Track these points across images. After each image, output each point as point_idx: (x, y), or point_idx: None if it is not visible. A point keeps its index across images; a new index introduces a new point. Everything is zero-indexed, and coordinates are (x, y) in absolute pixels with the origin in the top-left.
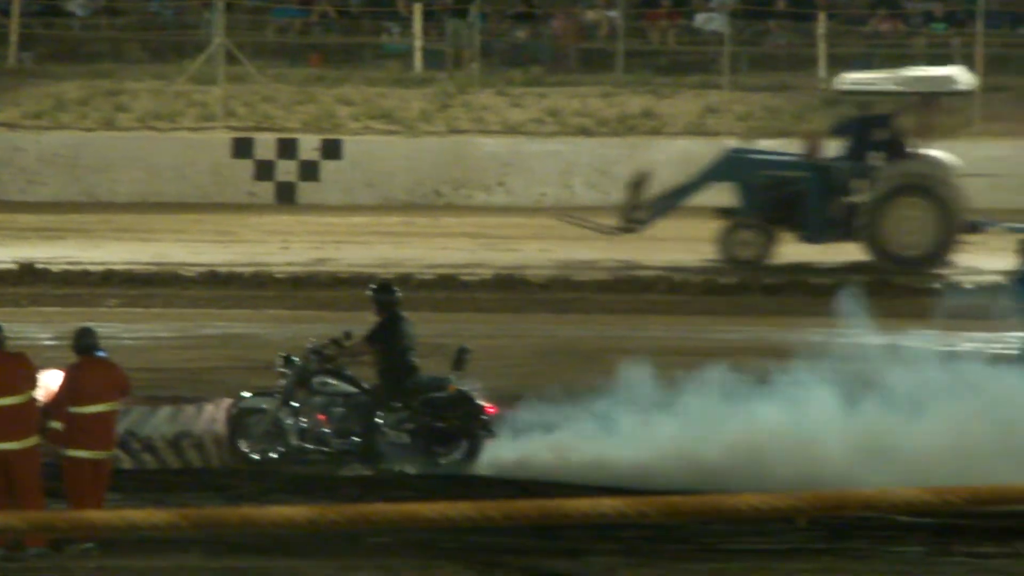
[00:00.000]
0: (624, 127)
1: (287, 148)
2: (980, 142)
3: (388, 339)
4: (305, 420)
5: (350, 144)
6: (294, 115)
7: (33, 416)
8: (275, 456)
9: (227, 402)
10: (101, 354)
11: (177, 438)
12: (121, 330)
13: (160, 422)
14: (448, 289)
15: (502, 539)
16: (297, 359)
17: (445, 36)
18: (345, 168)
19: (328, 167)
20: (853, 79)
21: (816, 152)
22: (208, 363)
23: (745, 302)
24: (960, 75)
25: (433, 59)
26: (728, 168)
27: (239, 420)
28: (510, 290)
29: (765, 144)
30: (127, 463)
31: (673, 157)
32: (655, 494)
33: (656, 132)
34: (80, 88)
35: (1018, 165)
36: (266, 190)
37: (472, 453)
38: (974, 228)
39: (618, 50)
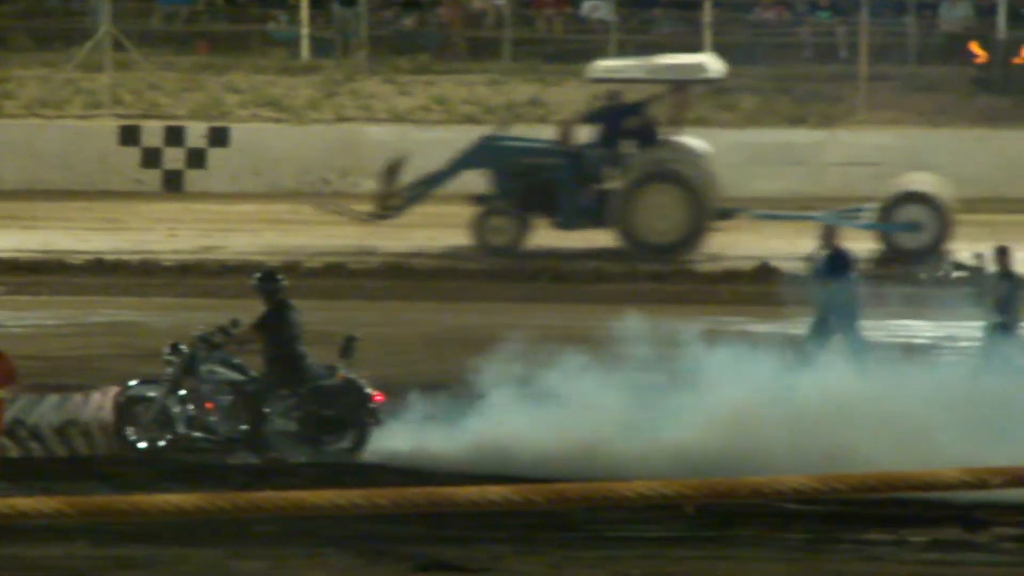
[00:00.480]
0: (512, 115)
1: (174, 136)
2: (864, 131)
3: (275, 327)
4: (192, 408)
5: (237, 132)
6: (181, 103)
7: None
8: (162, 444)
9: (114, 390)
10: None
11: (64, 426)
12: (7, 318)
13: (47, 410)
14: (336, 277)
15: (389, 527)
16: (184, 347)
17: (332, 23)
18: (232, 156)
19: (215, 155)
20: (604, 67)
21: (569, 139)
22: (95, 351)
23: (626, 290)
24: (710, 63)
25: (320, 47)
26: (482, 155)
27: (126, 408)
28: (398, 278)
29: (520, 131)
30: (14, 451)
31: None
32: (542, 481)
33: (543, 120)
34: None
35: (901, 153)
36: (153, 178)
37: (360, 441)
38: (726, 215)
39: (505, 38)
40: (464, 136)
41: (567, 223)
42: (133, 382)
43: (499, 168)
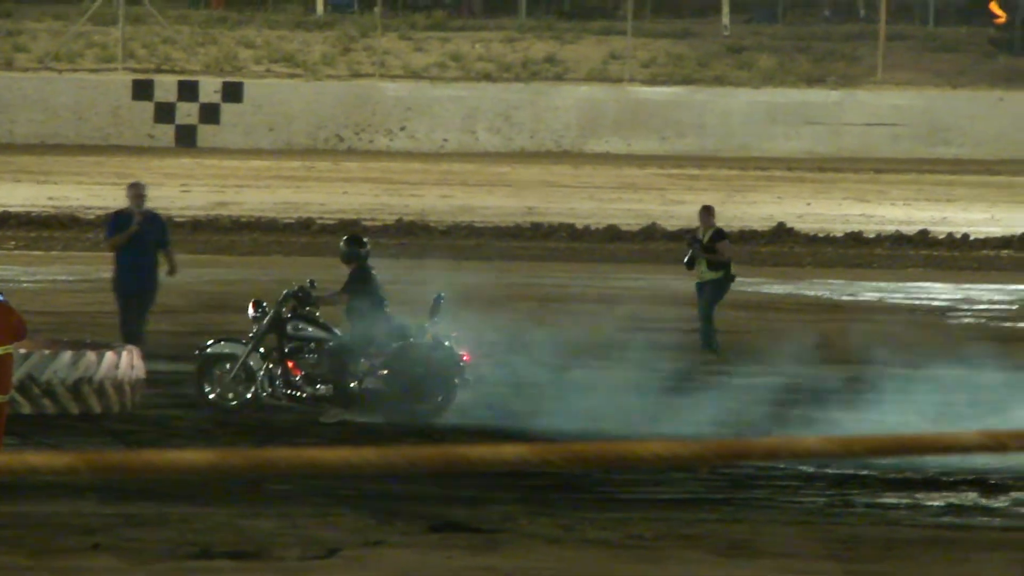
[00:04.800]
0: (527, 72)
1: (188, 90)
2: (882, 91)
3: (363, 287)
4: (274, 366)
5: (251, 87)
6: (195, 57)
7: None
8: (239, 403)
9: (131, 348)
10: None
11: (78, 384)
12: (19, 273)
13: (60, 367)
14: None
15: (402, 487)
16: (266, 305)
17: None
18: (246, 111)
19: (229, 110)
20: None
21: None
22: (108, 307)
23: (648, 249)
24: None
25: (336, 2)
26: None
27: (205, 366)
28: (412, 235)
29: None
30: (26, 408)
31: (576, 103)
32: (556, 441)
33: (559, 78)
34: None
35: (920, 114)
36: (166, 133)
37: (447, 400)
38: None
39: None
40: (480, 94)
41: None
42: (211, 340)
43: None
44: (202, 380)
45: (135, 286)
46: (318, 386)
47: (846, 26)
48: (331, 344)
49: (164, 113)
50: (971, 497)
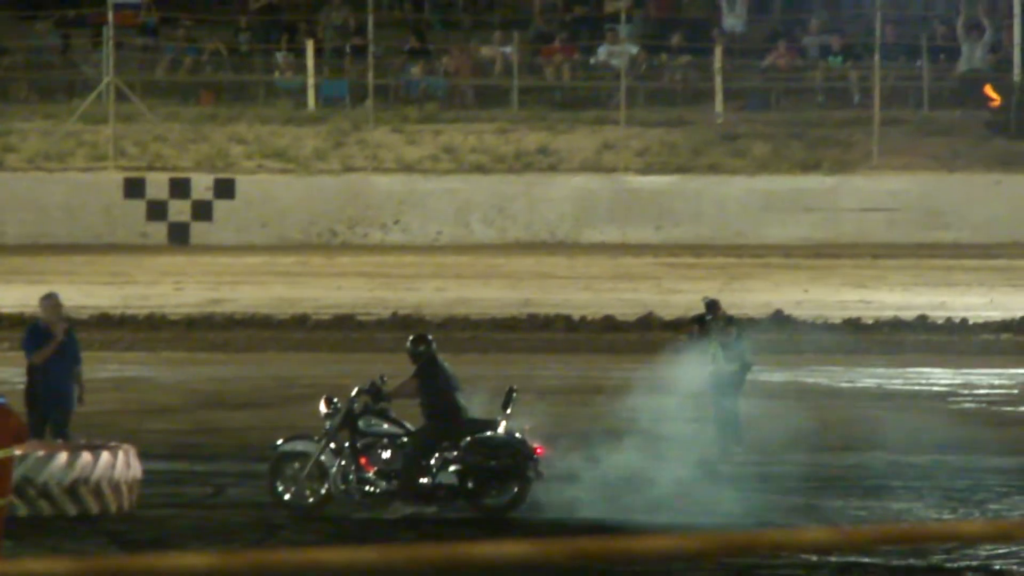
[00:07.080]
0: (521, 164)
1: (180, 188)
2: (878, 176)
3: (435, 380)
4: (346, 463)
5: (244, 183)
6: (186, 154)
7: None
8: (314, 500)
9: (127, 448)
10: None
11: (74, 485)
12: (13, 375)
13: (57, 469)
14: (345, 329)
15: None
16: (337, 401)
17: (344, 72)
18: (239, 208)
19: (222, 207)
20: None
21: None
22: (103, 407)
23: (644, 339)
24: None
25: (328, 96)
26: None
27: (278, 464)
28: (408, 330)
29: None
30: (23, 510)
31: (570, 193)
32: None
33: (553, 168)
34: None
35: (916, 199)
36: (159, 231)
37: (521, 495)
38: None
39: (513, 86)
40: (473, 186)
41: None
42: (280, 440)
43: None
44: (275, 479)
45: (57, 400)
46: (392, 481)
47: (840, 112)
48: (404, 439)
49: (156, 211)
50: None
